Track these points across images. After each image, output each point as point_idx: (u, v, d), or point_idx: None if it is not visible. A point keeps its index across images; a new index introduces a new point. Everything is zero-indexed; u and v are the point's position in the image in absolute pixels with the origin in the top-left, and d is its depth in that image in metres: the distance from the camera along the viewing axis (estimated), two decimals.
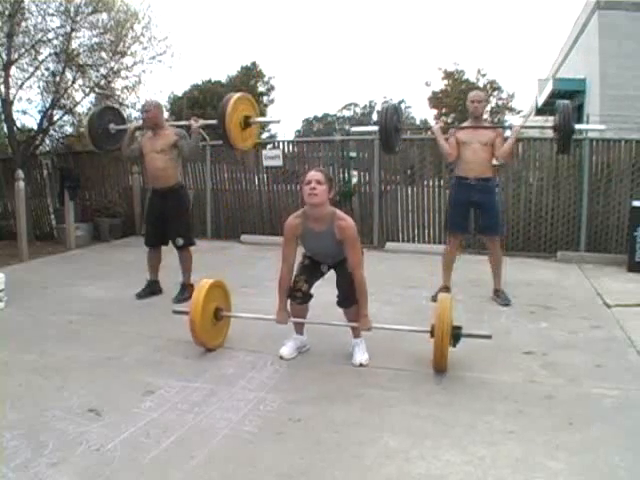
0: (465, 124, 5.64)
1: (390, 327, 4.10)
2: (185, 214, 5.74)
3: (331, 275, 4.05)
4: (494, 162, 5.58)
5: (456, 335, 3.65)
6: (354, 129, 4.76)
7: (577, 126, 5.37)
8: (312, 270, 4.02)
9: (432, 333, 3.61)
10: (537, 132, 9.68)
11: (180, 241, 5.52)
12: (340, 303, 3.97)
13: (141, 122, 5.70)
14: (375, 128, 5.74)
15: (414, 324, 4.80)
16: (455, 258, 5.62)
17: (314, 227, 3.82)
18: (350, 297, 3.90)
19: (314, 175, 3.75)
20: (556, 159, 8.10)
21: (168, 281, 5.71)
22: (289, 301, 4.03)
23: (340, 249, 3.83)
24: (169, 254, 5.63)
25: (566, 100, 5.21)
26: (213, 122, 5.35)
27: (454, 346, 3.65)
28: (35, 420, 3.03)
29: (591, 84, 12.72)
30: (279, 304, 3.98)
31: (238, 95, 4.85)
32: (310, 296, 4.03)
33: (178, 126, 5.75)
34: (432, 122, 34.37)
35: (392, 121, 5.33)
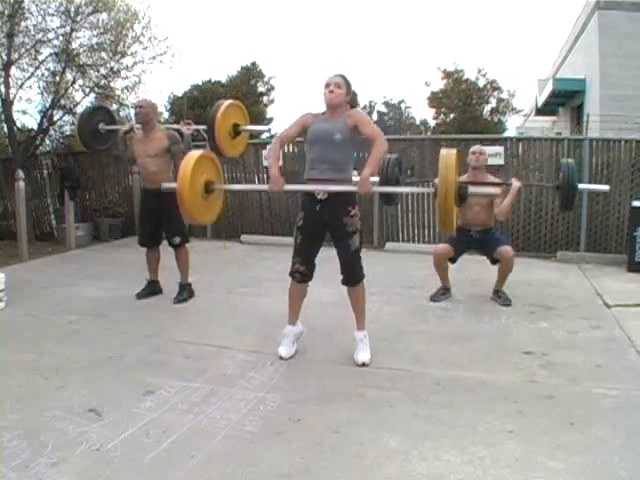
0: (464, 178, 5.54)
1: (393, 190, 3.97)
2: (179, 212, 5.74)
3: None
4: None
5: (461, 194, 3.52)
6: (354, 179, 4.75)
7: (580, 186, 5.39)
8: (306, 245, 3.93)
9: (435, 193, 3.48)
10: (538, 132, 9.69)
11: (176, 240, 5.51)
12: (344, 281, 3.94)
13: (130, 125, 5.65)
14: (375, 179, 5.77)
15: (415, 323, 4.84)
16: (447, 265, 5.60)
17: (325, 116, 3.85)
18: (352, 271, 3.89)
19: (333, 79, 3.81)
20: (556, 159, 8.09)
21: (168, 281, 5.71)
22: (290, 280, 4.02)
23: (344, 145, 3.77)
24: (169, 254, 5.63)
25: (571, 159, 5.22)
26: (203, 127, 5.34)
27: (459, 206, 3.56)
28: (35, 420, 3.03)
29: (591, 84, 12.74)
30: (272, 172, 3.84)
31: (228, 102, 4.82)
32: (310, 276, 4.00)
33: (169, 128, 5.73)
34: (432, 122, 34.46)
35: (393, 174, 5.39)
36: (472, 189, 3.70)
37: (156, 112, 5.67)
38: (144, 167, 5.51)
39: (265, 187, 3.94)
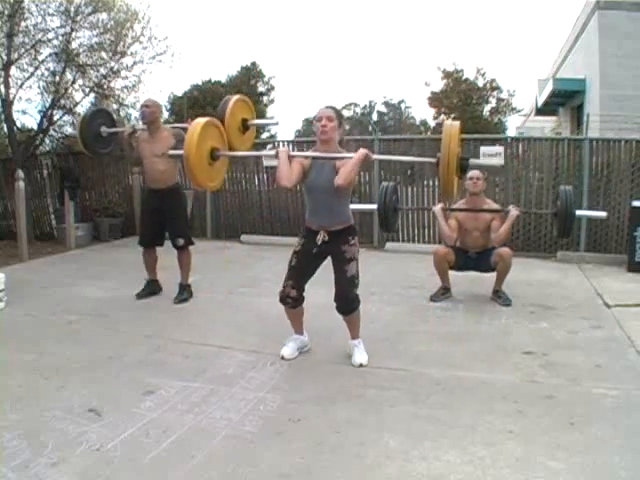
0: (462, 202, 5.66)
1: (397, 158, 3.94)
2: (184, 213, 5.75)
3: (326, 277, 4.03)
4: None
5: (463, 165, 3.55)
6: (353, 207, 4.78)
7: (578, 212, 5.42)
8: (301, 270, 3.92)
9: (437, 163, 3.52)
10: (538, 132, 9.68)
11: (180, 241, 5.52)
12: (339, 310, 3.91)
13: (132, 126, 5.65)
14: (374, 207, 5.80)
15: (415, 323, 4.84)
16: (447, 265, 5.60)
17: (319, 162, 3.84)
18: (348, 300, 3.85)
19: (325, 112, 3.78)
20: (556, 159, 8.13)
21: (168, 281, 5.71)
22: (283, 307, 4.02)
23: (337, 193, 3.74)
24: (169, 254, 5.63)
25: (569, 186, 5.25)
26: None
27: (460, 177, 3.59)
28: (35, 420, 3.03)
29: (591, 84, 12.72)
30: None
31: (235, 98, 4.83)
32: (301, 300, 3.97)
33: (175, 127, 5.72)
34: (432, 122, 34.44)
35: (391, 201, 5.42)
36: (474, 160, 3.77)
37: (161, 111, 5.67)
38: (151, 167, 5.50)
39: (272, 152, 3.94)
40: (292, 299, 3.91)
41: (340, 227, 3.83)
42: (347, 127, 4.10)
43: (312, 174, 3.82)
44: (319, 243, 3.83)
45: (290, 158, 3.78)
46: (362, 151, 3.74)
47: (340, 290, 3.85)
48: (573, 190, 5.39)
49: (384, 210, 5.46)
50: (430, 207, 5.94)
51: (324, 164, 3.79)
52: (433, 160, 3.64)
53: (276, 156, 3.77)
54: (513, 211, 5.34)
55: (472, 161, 3.79)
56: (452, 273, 5.65)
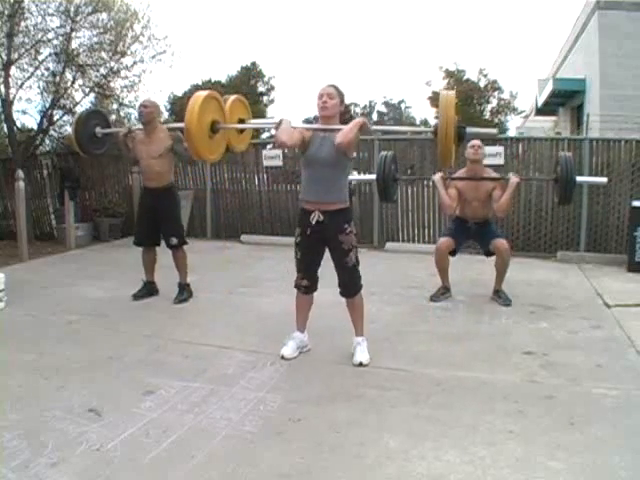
0: (462, 172, 5.63)
1: (396, 128, 4.01)
2: (177, 213, 5.73)
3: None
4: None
5: (460, 133, 3.60)
6: (351, 177, 4.76)
7: (579, 178, 5.41)
8: (306, 260, 3.98)
9: (435, 133, 3.57)
10: (539, 132, 9.68)
11: (174, 240, 5.52)
12: (343, 293, 3.99)
13: (127, 127, 5.67)
14: (373, 177, 5.78)
15: (415, 323, 4.84)
16: (448, 261, 5.61)
17: (321, 132, 3.88)
18: (351, 284, 3.93)
19: (326, 89, 3.83)
20: (556, 159, 8.10)
21: (167, 281, 5.71)
22: (296, 292, 4.08)
23: (338, 159, 3.78)
24: (166, 254, 5.62)
25: (569, 153, 5.25)
26: None
27: (458, 145, 3.62)
28: (35, 420, 3.02)
29: (591, 84, 12.73)
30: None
31: (233, 98, 4.82)
32: (314, 287, 4.06)
33: (172, 128, 5.72)
34: (432, 122, 34.43)
35: (390, 171, 5.40)
36: (471, 129, 3.85)
37: (159, 112, 5.67)
38: (148, 168, 5.51)
39: (275, 120, 3.95)
40: (305, 287, 4.03)
41: (335, 207, 3.84)
42: None
43: (312, 147, 3.86)
44: (313, 222, 3.85)
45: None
46: (360, 118, 3.79)
47: (343, 278, 3.94)
48: (572, 157, 5.38)
49: (383, 180, 5.43)
50: (430, 177, 5.91)
51: (325, 138, 3.82)
52: (431, 129, 3.69)
53: (278, 125, 3.78)
54: (513, 178, 5.32)
55: (469, 129, 3.82)
56: (452, 274, 5.64)
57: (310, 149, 3.86)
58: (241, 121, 4.87)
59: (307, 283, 4.01)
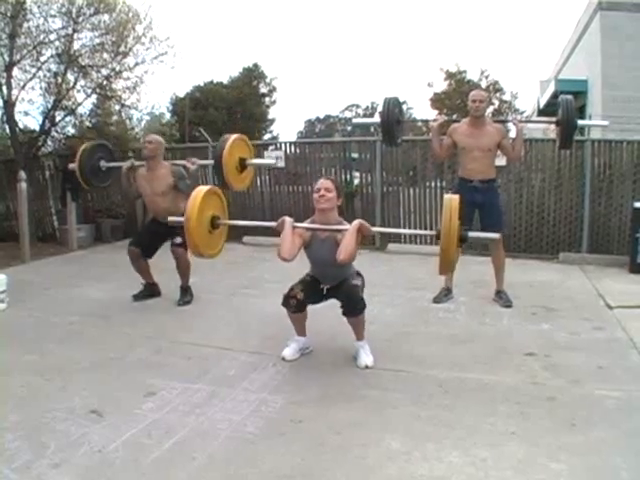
0: (464, 121, 5.49)
1: (397, 231, 4.07)
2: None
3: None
4: (497, 163, 5.56)
5: (463, 236, 3.57)
6: (355, 121, 4.75)
7: (580, 122, 5.33)
8: (312, 286, 3.99)
9: (438, 236, 3.56)
10: (540, 133, 9.67)
11: (179, 239, 5.36)
12: (345, 313, 3.90)
13: (131, 162, 5.70)
14: (377, 120, 5.73)
15: (417, 325, 4.84)
16: (457, 259, 5.58)
17: (320, 234, 3.89)
18: (354, 304, 3.85)
19: (323, 183, 3.88)
20: (558, 160, 8.11)
21: (168, 282, 5.71)
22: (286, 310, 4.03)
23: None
24: (168, 256, 5.58)
25: (569, 95, 5.16)
26: (210, 162, 5.36)
27: (461, 246, 3.60)
28: (37, 421, 3.03)
29: (593, 85, 12.73)
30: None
31: (234, 137, 4.86)
32: (304, 305, 3.97)
33: (174, 163, 5.73)
34: (432, 122, 34.27)
35: (394, 113, 5.33)
36: (472, 233, 3.87)
37: (163, 149, 5.65)
38: (154, 204, 5.56)
39: (273, 224, 4.00)
40: (297, 300, 3.89)
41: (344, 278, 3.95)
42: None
43: (313, 246, 3.92)
44: (324, 290, 4.01)
45: (293, 229, 3.84)
46: (357, 221, 3.78)
47: (345, 295, 3.89)
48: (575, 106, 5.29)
49: (387, 123, 5.37)
50: (430, 123, 5.85)
51: (325, 241, 3.88)
52: (432, 233, 3.78)
53: (280, 226, 3.85)
54: (517, 125, 5.36)
55: (471, 233, 3.83)
56: (454, 275, 5.63)
57: (311, 248, 3.93)
58: (242, 160, 4.91)
59: (301, 296, 3.89)
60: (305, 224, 3.92)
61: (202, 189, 4.01)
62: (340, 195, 3.96)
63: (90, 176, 5.75)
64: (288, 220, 3.85)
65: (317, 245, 3.90)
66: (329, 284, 3.98)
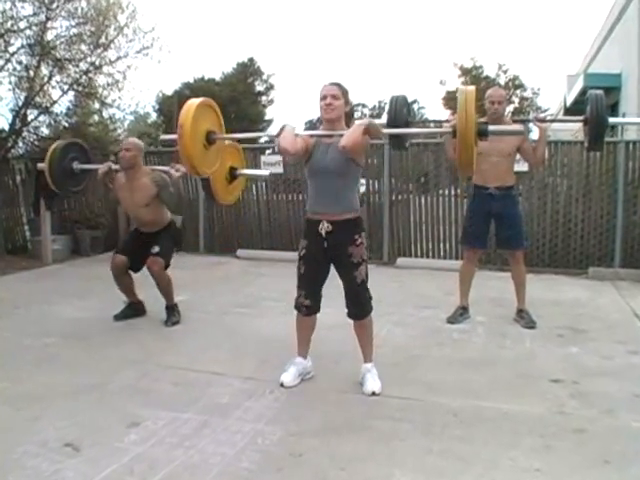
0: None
1: (409, 131, 4.40)
2: (170, 241, 5.63)
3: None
4: (518, 169, 5.56)
5: (481, 130, 3.55)
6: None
7: (612, 120, 5.31)
8: (311, 275, 3.99)
9: (454, 133, 3.54)
10: (568, 135, 9.66)
11: (156, 248, 5.42)
12: (351, 315, 3.98)
13: (107, 165, 5.56)
14: (383, 121, 5.72)
15: (428, 347, 4.84)
16: (473, 275, 5.61)
17: (325, 140, 3.89)
18: (359, 306, 3.93)
19: (329, 89, 3.84)
20: (587, 165, 8.10)
21: (152, 299, 5.71)
22: (296, 314, 4.07)
23: (346, 168, 3.82)
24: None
25: (599, 90, 5.18)
26: None
27: (476, 144, 3.57)
28: (4, 457, 3.01)
29: (627, 79, 12.70)
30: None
31: (226, 143, 4.88)
32: (316, 308, 4.05)
33: (155, 169, 5.69)
34: (445, 123, 34.35)
35: (402, 114, 5.33)
36: (493, 127, 3.82)
37: (142, 153, 5.62)
38: (138, 217, 5.59)
39: (273, 134, 4.00)
40: (306, 307, 4.00)
41: (345, 217, 3.87)
42: None
43: (316, 155, 3.89)
44: (323, 234, 3.87)
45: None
46: (365, 120, 3.79)
47: (351, 296, 3.94)
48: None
49: (394, 123, 5.33)
50: (444, 122, 5.84)
51: (331, 145, 3.84)
52: (448, 130, 3.67)
53: (280, 131, 3.82)
54: (538, 126, 5.32)
55: (492, 127, 3.77)
56: (470, 292, 5.64)
57: (314, 157, 3.90)
58: (233, 170, 4.90)
59: (309, 303, 3.99)
60: (308, 132, 3.95)
61: (195, 101, 3.97)
62: (348, 101, 3.95)
63: (61, 179, 5.68)
64: (289, 125, 3.85)
65: (320, 153, 3.88)
66: (328, 209, 3.88)
